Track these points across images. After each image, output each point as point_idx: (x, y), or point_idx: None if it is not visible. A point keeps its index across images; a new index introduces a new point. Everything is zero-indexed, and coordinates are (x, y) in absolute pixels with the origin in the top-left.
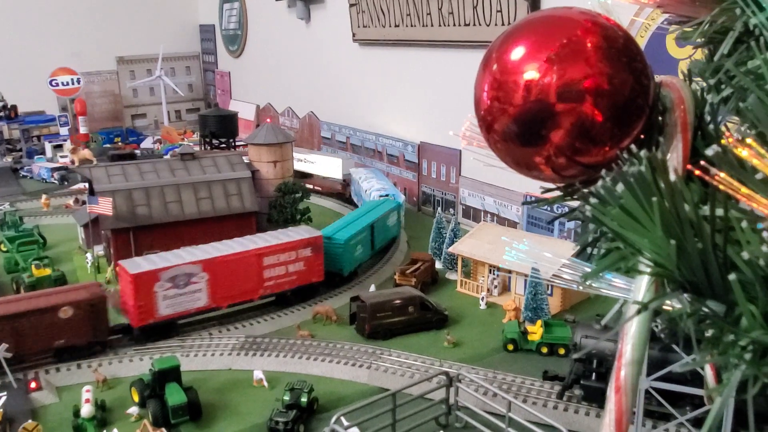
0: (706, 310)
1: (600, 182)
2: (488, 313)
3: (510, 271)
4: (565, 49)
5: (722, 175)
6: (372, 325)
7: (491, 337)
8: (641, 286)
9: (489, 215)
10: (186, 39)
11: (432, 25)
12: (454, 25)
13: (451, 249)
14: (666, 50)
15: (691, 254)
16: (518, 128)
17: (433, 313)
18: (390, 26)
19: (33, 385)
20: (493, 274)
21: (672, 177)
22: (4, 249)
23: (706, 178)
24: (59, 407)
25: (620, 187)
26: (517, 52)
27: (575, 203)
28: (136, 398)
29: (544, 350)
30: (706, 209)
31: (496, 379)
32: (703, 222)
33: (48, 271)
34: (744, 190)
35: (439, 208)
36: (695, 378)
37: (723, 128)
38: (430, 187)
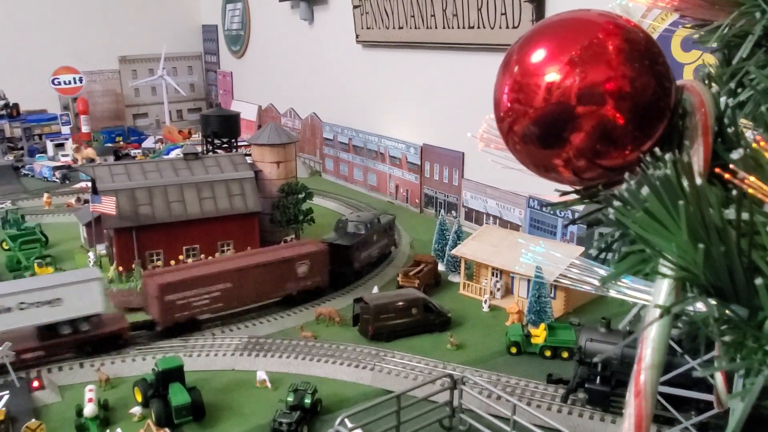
0: (730, 314)
1: (624, 185)
2: (491, 315)
3: (513, 273)
4: (587, 51)
5: (752, 179)
6: (375, 327)
7: (494, 340)
8: (662, 290)
9: (491, 218)
10: (188, 39)
11: (436, 27)
12: (459, 27)
13: (454, 251)
14: (671, 54)
15: (716, 258)
16: (538, 130)
17: (436, 315)
18: (394, 28)
19: (36, 384)
20: (496, 276)
21: (698, 180)
22: (6, 247)
23: (735, 181)
24: (62, 406)
25: (645, 190)
26: (538, 55)
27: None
28: (139, 398)
29: (548, 353)
30: (729, 213)
31: (500, 382)
32: (728, 226)
33: (50, 270)
34: None
35: (442, 210)
36: (700, 382)
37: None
38: (432, 190)
